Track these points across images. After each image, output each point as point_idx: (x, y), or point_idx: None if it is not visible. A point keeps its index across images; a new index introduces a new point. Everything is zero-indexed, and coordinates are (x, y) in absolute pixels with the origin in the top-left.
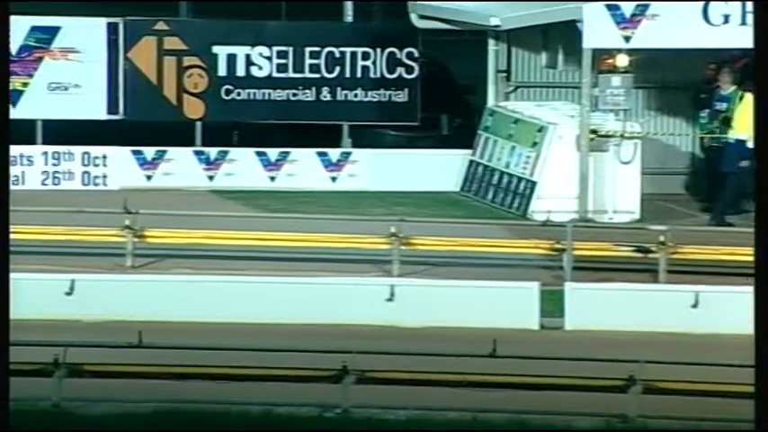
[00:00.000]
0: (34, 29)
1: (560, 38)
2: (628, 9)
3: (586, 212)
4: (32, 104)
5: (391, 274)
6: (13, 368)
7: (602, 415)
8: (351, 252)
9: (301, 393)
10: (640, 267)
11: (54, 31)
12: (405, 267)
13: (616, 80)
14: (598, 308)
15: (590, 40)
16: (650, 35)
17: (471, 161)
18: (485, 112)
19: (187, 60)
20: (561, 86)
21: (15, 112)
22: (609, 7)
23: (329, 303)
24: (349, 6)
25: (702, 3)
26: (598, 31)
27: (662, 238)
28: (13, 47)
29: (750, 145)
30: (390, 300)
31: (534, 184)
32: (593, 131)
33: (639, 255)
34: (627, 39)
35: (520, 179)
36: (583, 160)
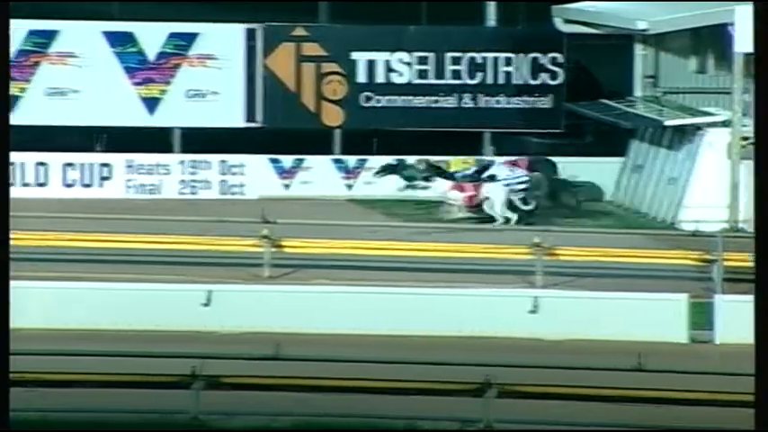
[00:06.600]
0: (172, 35)
1: (710, 42)
2: None
3: (737, 222)
4: (169, 112)
5: (535, 286)
6: (150, 380)
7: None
8: (493, 263)
9: (443, 407)
10: None
11: (192, 37)
12: (549, 278)
13: None
14: (749, 321)
15: (742, 44)
16: None
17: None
18: None
19: (326, 67)
20: (711, 92)
21: (152, 120)
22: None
23: (471, 315)
24: (492, 10)
25: None
26: (750, 33)
27: None
28: (151, 54)
29: None
30: (534, 312)
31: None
32: (745, 138)
33: None
34: None
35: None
36: (734, 168)
